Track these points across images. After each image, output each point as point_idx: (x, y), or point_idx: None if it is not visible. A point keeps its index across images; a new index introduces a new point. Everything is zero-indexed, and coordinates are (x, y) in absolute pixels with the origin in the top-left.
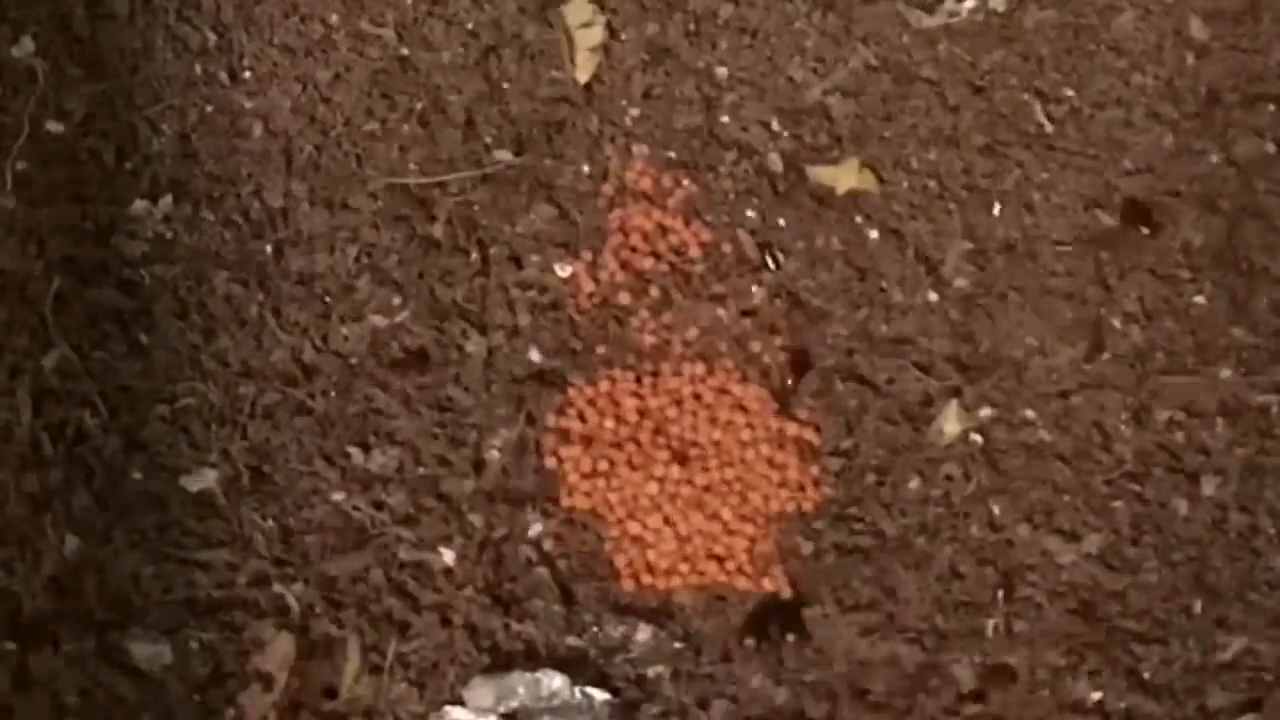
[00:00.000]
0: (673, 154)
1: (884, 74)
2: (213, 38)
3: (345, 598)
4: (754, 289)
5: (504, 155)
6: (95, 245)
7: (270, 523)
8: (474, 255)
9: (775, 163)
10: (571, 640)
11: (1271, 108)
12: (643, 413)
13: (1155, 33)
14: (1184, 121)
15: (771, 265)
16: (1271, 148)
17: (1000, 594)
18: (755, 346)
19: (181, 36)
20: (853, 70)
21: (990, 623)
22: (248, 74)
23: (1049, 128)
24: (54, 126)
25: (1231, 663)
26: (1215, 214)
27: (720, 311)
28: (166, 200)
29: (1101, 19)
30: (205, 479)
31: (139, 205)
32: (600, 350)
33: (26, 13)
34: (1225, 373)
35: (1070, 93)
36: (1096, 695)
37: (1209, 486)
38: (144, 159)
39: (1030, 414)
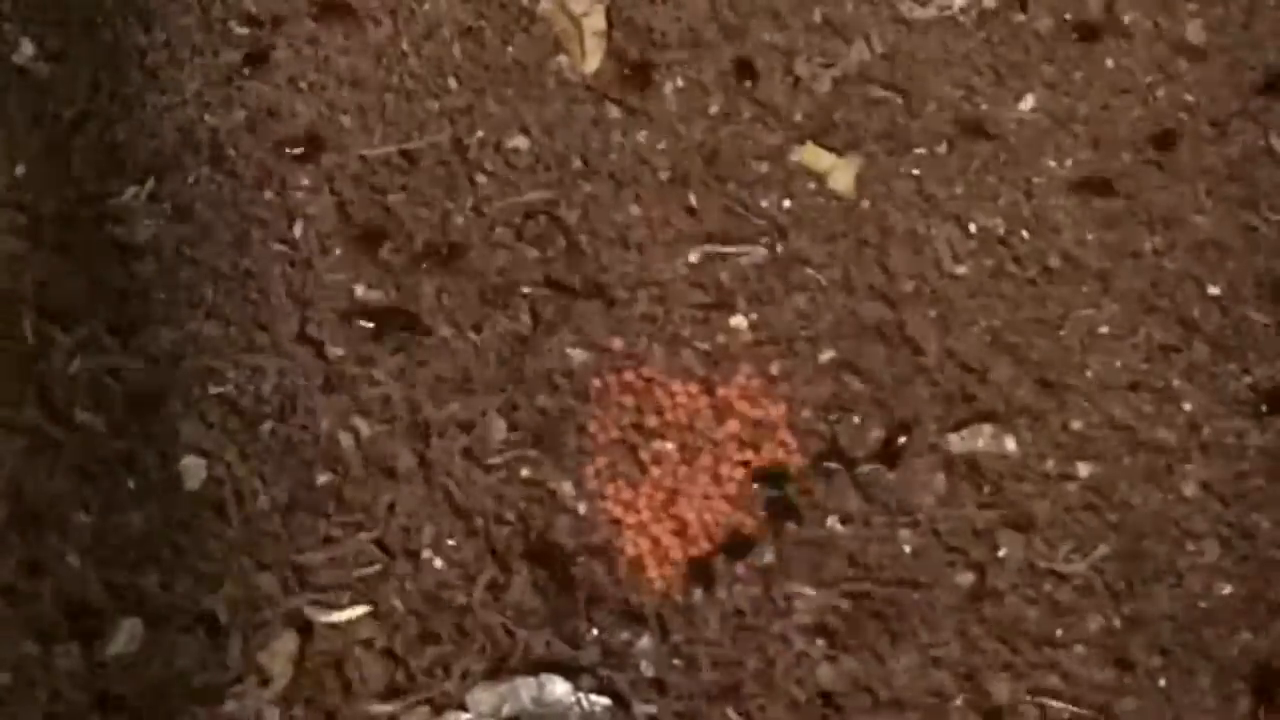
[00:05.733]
0: (673, 149)
1: (882, 66)
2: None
3: (345, 594)
4: (755, 286)
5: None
6: (92, 233)
7: (270, 513)
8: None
9: (774, 153)
10: (574, 646)
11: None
12: (646, 415)
13: (1150, 28)
14: (1180, 115)
15: (773, 252)
16: (1274, 139)
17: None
18: (758, 345)
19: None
20: (852, 61)
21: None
22: (247, 65)
23: (1044, 122)
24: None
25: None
26: (1213, 212)
27: (721, 309)
28: (151, 183)
29: (1094, 13)
30: (207, 469)
31: (130, 191)
32: (603, 352)
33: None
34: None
35: (1066, 89)
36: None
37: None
38: (143, 151)
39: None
